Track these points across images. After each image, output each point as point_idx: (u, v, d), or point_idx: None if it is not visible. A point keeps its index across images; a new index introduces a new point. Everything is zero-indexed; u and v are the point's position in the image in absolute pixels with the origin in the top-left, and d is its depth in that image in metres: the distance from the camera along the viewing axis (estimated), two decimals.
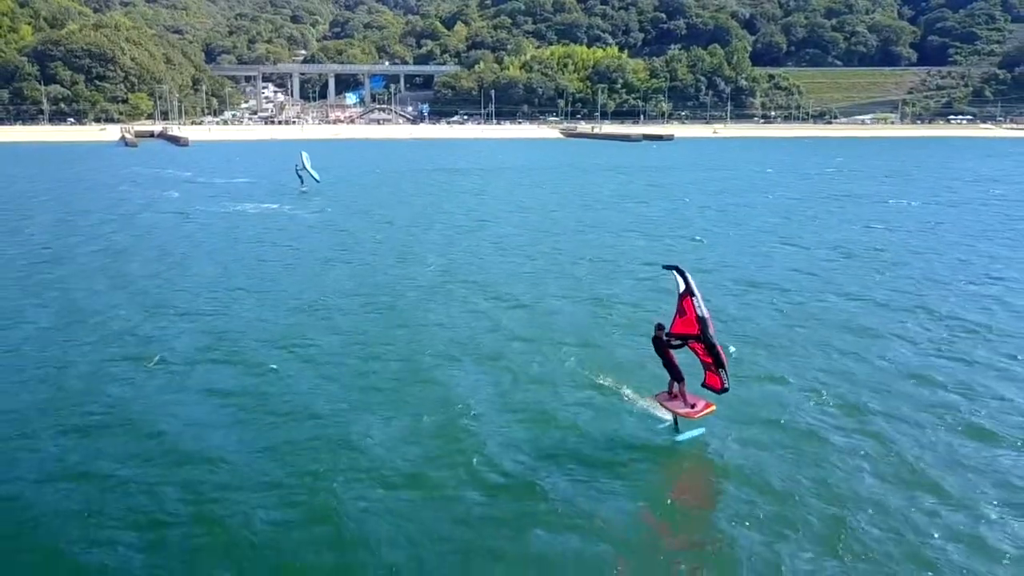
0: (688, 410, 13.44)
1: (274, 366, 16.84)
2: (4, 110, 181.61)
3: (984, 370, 17.05)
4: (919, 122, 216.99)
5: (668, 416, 13.81)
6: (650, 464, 13.11)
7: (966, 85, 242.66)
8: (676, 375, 13.60)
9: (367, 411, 14.60)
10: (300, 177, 56.56)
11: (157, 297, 23.21)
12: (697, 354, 13.33)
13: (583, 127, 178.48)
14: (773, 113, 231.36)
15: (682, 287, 13.02)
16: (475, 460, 12.69)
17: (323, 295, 23.44)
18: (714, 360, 13.04)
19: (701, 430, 13.60)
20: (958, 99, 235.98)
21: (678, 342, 13.33)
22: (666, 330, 13.42)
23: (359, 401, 15.11)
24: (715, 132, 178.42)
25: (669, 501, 12.08)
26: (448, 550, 10.43)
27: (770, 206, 48.30)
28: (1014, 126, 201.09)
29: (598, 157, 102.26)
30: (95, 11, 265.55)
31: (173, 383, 15.97)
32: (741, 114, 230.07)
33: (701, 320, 12.81)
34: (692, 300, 12.89)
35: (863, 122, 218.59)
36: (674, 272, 13.24)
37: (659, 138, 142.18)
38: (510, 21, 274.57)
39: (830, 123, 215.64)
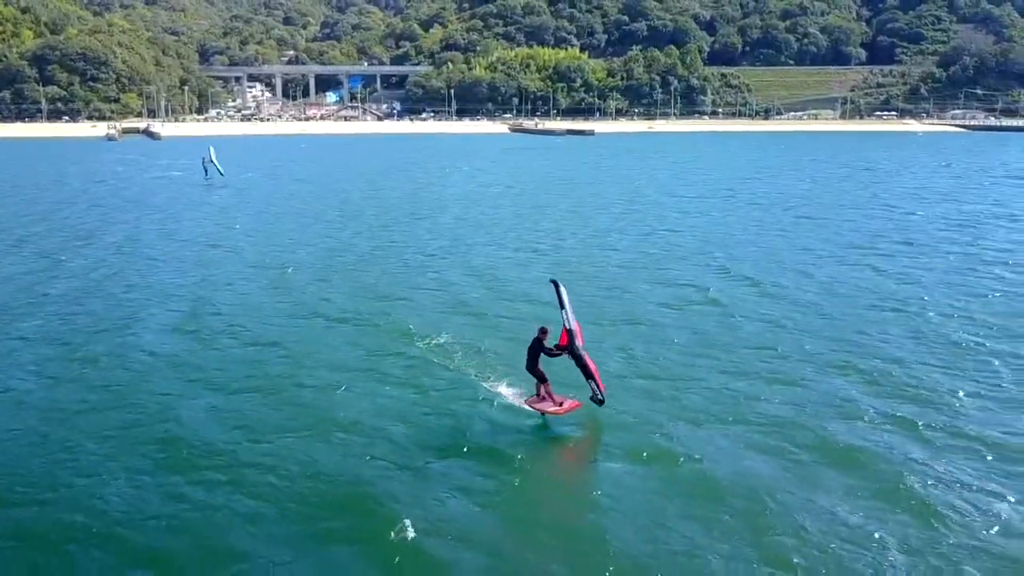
0: (556, 408, 14.38)
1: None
2: (6, 109, 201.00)
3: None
4: (848, 118, 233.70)
5: (538, 414, 14.71)
6: (518, 457, 13.64)
7: (905, 83, 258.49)
8: (540, 377, 14.50)
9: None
10: (205, 169, 64.56)
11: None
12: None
13: (527, 123, 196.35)
14: (721, 110, 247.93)
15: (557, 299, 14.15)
16: (353, 450, 13.64)
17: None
18: (583, 372, 13.96)
19: (568, 426, 14.70)
20: (894, 96, 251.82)
21: (557, 352, 14.19)
22: (555, 342, 14.27)
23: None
24: (650, 127, 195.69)
25: (533, 493, 12.63)
26: (317, 537, 11.13)
27: (526, 176, 68.56)
28: (934, 121, 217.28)
29: (509, 144, 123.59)
30: (95, 14, 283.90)
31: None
32: (692, 110, 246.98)
33: (569, 332, 13.87)
34: (562, 313, 13.94)
35: (801, 117, 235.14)
36: (553, 286, 14.49)
37: (580, 133, 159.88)
38: (482, 24, 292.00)
39: (767, 119, 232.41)
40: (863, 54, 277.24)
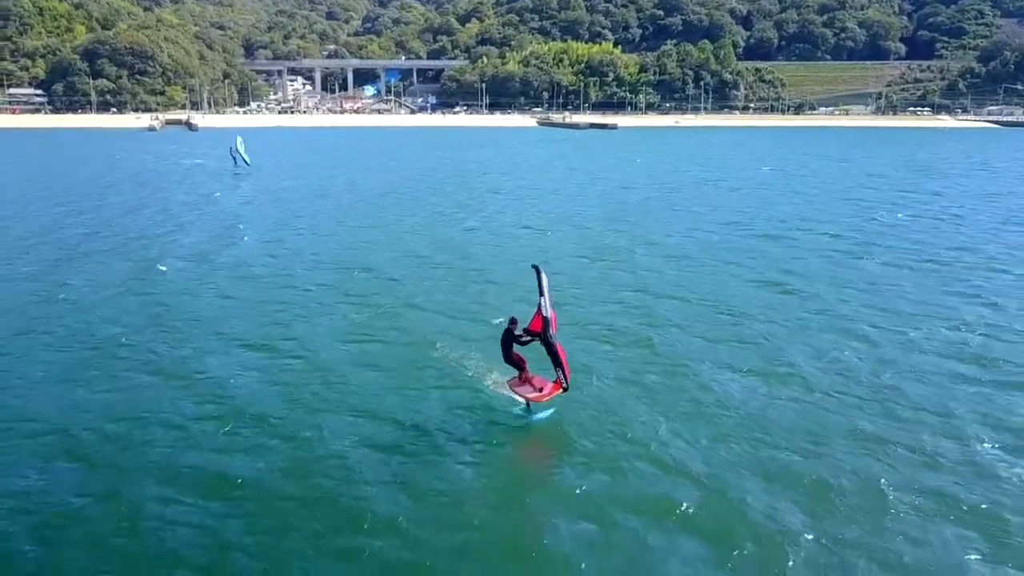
0: (536, 394, 14.24)
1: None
2: (59, 101, 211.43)
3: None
4: (882, 114, 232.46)
5: (521, 399, 14.54)
6: (504, 442, 13.97)
7: (943, 79, 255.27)
8: (517, 365, 14.53)
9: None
10: (234, 159, 66.35)
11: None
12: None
13: (555, 117, 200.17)
14: (753, 105, 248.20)
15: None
16: (333, 442, 13.55)
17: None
18: (552, 359, 13.98)
19: (551, 410, 14.57)
20: (931, 92, 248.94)
21: (527, 338, 14.15)
22: (522, 325, 14.28)
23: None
24: (677, 122, 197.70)
25: (518, 476, 13.15)
26: (305, 517, 11.31)
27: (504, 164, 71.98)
28: (968, 117, 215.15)
29: (529, 137, 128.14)
30: (145, 10, 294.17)
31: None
32: (724, 105, 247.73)
33: (544, 320, 13.78)
34: (540, 299, 13.84)
35: (833, 113, 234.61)
36: (535, 271, 14.19)
37: (603, 127, 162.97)
38: (517, 19, 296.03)
39: (799, 114, 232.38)
40: (902, 49, 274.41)
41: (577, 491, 12.12)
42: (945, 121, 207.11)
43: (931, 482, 12.37)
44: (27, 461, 12.85)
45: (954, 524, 11.26)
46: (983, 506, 11.74)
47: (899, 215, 41.42)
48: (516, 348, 14.37)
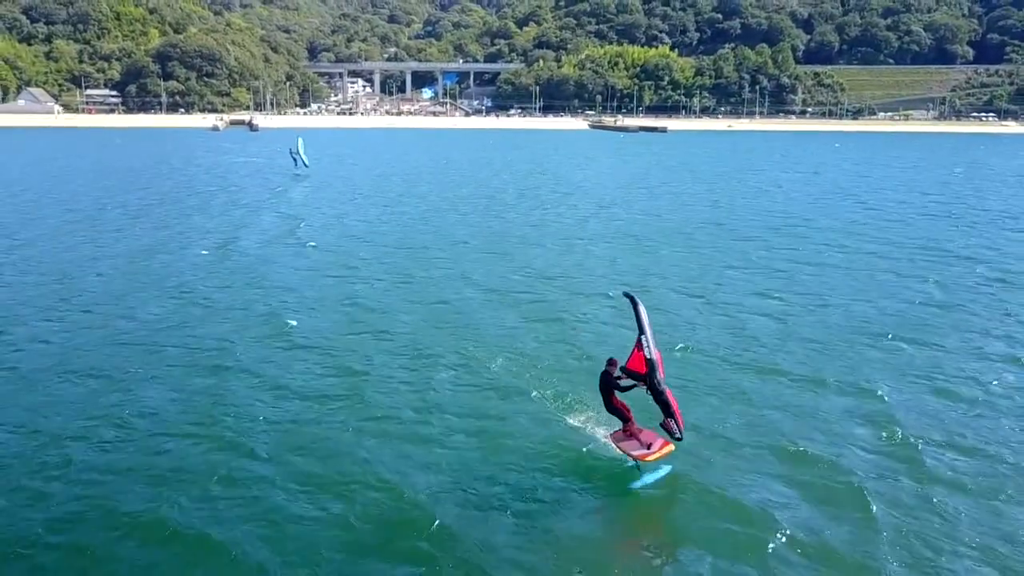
0: (643, 451, 12.29)
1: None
2: (132, 102, 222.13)
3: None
4: (945, 119, 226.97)
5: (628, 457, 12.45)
6: (604, 504, 12.31)
7: (1012, 83, 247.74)
8: (621, 416, 12.70)
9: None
10: (294, 159, 65.83)
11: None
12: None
13: (607, 120, 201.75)
14: (810, 110, 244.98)
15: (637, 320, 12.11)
16: (432, 488, 12.17)
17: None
18: (663, 408, 12.14)
19: (666, 469, 12.63)
20: (999, 97, 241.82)
21: (629, 382, 12.39)
22: (620, 365, 12.48)
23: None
24: (730, 126, 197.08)
25: (622, 549, 11.36)
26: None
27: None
28: None
29: (573, 139, 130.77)
30: (216, 14, 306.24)
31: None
32: (780, 109, 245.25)
33: (649, 362, 11.95)
34: (641, 338, 11.99)
35: (892, 118, 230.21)
36: (629, 301, 12.38)
37: (653, 130, 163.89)
38: (575, 22, 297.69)
39: (856, 119, 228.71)
40: (970, 53, 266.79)
41: None
42: (1010, 127, 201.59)
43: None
44: (140, 369, 17.66)
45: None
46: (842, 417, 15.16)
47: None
48: (618, 395, 12.61)
